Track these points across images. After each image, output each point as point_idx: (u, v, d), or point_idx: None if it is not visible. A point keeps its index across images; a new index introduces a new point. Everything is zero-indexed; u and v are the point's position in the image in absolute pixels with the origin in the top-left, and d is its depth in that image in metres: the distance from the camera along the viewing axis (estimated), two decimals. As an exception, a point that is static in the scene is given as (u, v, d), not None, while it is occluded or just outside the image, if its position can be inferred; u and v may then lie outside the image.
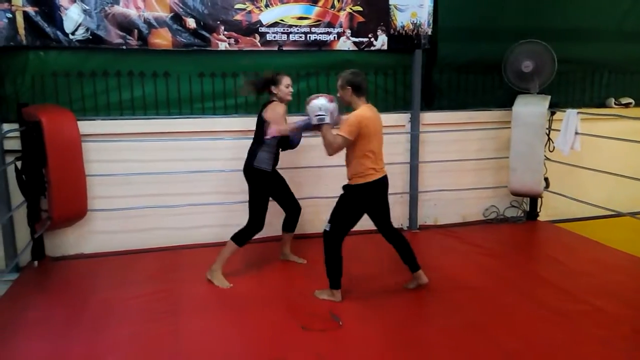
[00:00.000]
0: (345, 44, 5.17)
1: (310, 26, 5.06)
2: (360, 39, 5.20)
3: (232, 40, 4.88)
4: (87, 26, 4.55)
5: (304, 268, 4.52)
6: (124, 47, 4.68)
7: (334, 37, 5.13)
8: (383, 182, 3.81)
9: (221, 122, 4.98)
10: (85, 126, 4.55)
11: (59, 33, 4.50)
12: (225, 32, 4.85)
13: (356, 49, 5.21)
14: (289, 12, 4.99)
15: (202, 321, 3.59)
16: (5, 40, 4.39)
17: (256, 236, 5.04)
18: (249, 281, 4.24)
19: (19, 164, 4.36)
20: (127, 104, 4.85)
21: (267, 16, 4.93)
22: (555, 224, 5.78)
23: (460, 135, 5.62)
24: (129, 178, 4.83)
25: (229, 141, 4.92)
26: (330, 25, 5.10)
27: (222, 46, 4.86)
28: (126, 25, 4.64)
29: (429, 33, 5.36)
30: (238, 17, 4.86)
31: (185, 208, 4.96)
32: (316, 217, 5.34)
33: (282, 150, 4.31)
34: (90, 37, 4.57)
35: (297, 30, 5.03)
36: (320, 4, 5.03)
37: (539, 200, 5.79)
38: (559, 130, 5.32)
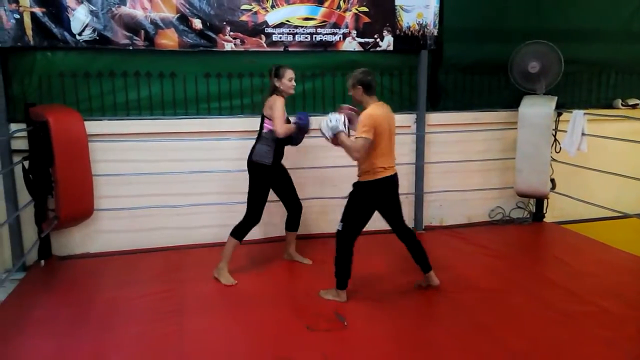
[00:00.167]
0: (351, 44, 5.17)
1: (316, 27, 5.06)
2: (366, 40, 5.20)
3: (238, 41, 4.89)
4: (94, 27, 4.57)
5: (309, 268, 4.53)
6: (131, 48, 4.70)
7: (340, 37, 5.13)
8: (392, 180, 3.81)
9: (227, 122, 5.00)
10: (92, 126, 4.58)
11: (66, 34, 4.52)
12: (231, 33, 4.86)
13: (362, 49, 5.21)
14: (294, 13, 5.00)
15: (207, 320, 3.60)
16: (13, 41, 4.42)
17: (262, 236, 5.10)
18: (254, 281, 4.25)
19: (26, 163, 4.38)
20: (134, 104, 4.88)
21: (273, 17, 4.94)
22: (561, 225, 5.75)
23: (466, 136, 5.61)
24: (135, 178, 4.85)
25: (235, 141, 4.94)
26: (336, 26, 5.10)
27: (228, 47, 4.88)
28: (133, 26, 4.66)
29: (435, 34, 5.36)
30: (244, 17, 4.87)
31: (191, 208, 4.97)
32: (322, 217, 5.36)
33: (285, 146, 4.32)
34: (97, 38, 4.60)
35: (303, 31, 5.03)
36: (326, 4, 5.04)
37: (545, 201, 5.77)
38: (565, 131, 5.30)
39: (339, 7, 5.07)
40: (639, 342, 3.28)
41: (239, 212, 4.37)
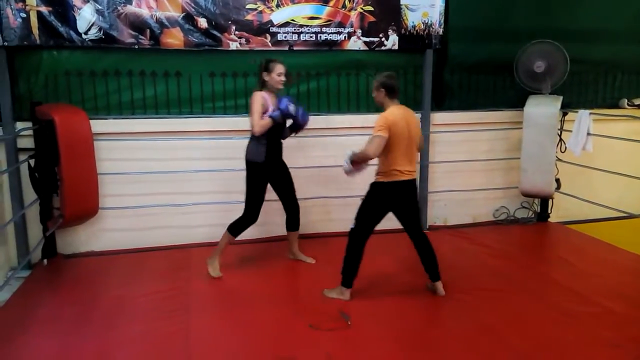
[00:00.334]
0: (356, 43, 5.17)
1: (321, 26, 5.06)
2: (371, 39, 5.20)
3: (243, 40, 4.90)
4: (100, 26, 4.59)
5: (313, 267, 4.53)
6: (136, 47, 4.71)
7: (345, 37, 5.13)
8: (408, 185, 3.77)
9: (232, 121, 5.01)
10: (98, 125, 4.59)
11: (72, 32, 4.54)
12: (237, 32, 4.87)
13: (367, 48, 5.21)
14: (299, 12, 5.00)
15: (211, 319, 3.61)
16: (20, 40, 4.44)
17: (265, 234, 5.10)
18: (258, 279, 4.26)
19: (32, 162, 4.41)
20: (139, 103, 4.89)
21: (278, 16, 4.95)
22: (566, 225, 5.74)
23: (471, 136, 5.60)
24: (140, 176, 4.86)
25: (240, 140, 4.91)
26: (341, 25, 5.10)
27: (233, 46, 4.88)
28: (138, 25, 4.67)
29: (440, 33, 5.35)
30: (249, 17, 4.88)
31: (196, 206, 4.99)
32: (326, 217, 5.36)
33: (283, 139, 4.29)
34: (103, 37, 4.61)
35: (308, 30, 5.04)
36: (331, 3, 5.04)
37: (550, 201, 5.75)
38: (570, 131, 5.29)
39: (344, 6, 5.07)
40: (644, 343, 3.28)
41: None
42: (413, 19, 5.25)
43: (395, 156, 3.68)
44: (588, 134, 5.12)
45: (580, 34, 5.68)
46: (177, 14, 4.73)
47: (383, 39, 5.22)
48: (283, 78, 4.15)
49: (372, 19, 5.15)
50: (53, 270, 4.51)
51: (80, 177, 4.35)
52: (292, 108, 4.07)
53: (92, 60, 4.74)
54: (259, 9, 4.89)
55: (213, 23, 4.80)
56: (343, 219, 5.30)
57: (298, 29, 5.01)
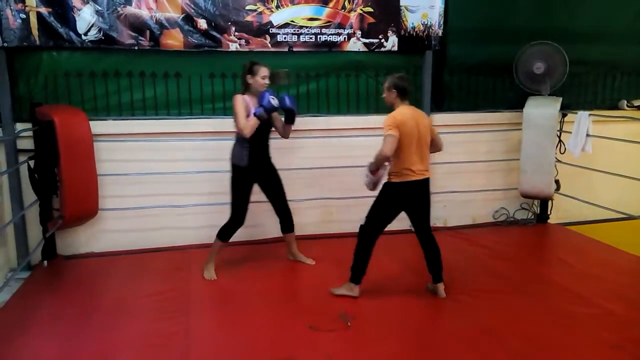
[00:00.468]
0: (356, 45, 5.17)
1: (321, 27, 5.07)
2: (371, 40, 5.20)
3: (242, 41, 4.90)
4: (100, 27, 4.59)
5: (312, 268, 4.53)
6: (136, 48, 4.71)
7: (344, 38, 5.13)
8: (419, 184, 3.79)
9: (232, 122, 4.99)
10: (97, 126, 4.59)
11: (71, 33, 4.54)
12: (236, 33, 4.87)
13: (366, 50, 5.21)
14: (299, 13, 5.00)
15: (211, 320, 3.61)
16: (19, 41, 4.44)
17: (265, 236, 5.10)
18: (257, 281, 4.26)
19: (31, 163, 4.40)
20: (139, 104, 4.89)
21: (277, 17, 4.95)
22: (565, 227, 5.74)
23: (471, 137, 5.60)
24: (140, 177, 4.86)
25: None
26: (340, 26, 5.10)
27: (233, 47, 4.89)
28: (138, 26, 4.67)
29: (440, 34, 5.35)
30: (249, 18, 4.88)
31: (195, 208, 4.98)
32: (327, 218, 5.36)
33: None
34: (103, 38, 4.61)
35: (308, 31, 5.04)
36: (330, 5, 5.04)
37: (550, 202, 5.75)
38: (570, 132, 5.29)
39: (343, 7, 5.07)
40: (644, 344, 3.28)
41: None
42: (413, 20, 5.26)
43: (407, 156, 3.69)
44: (587, 135, 5.12)
45: (580, 36, 5.68)
46: (176, 15, 4.73)
47: (383, 40, 5.23)
48: (267, 81, 4.11)
49: (371, 20, 5.16)
50: (53, 272, 4.50)
51: (80, 178, 4.35)
52: (274, 102, 4.02)
53: (92, 61, 4.74)
54: (259, 10, 4.89)
55: (213, 24, 4.80)
56: (344, 220, 5.34)
57: (298, 30, 5.02)
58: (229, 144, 4.94)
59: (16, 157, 4.52)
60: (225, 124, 4.97)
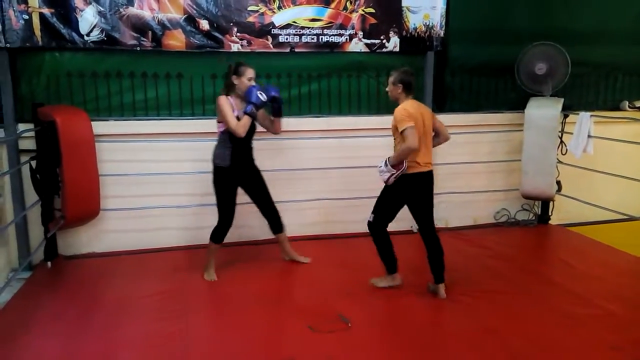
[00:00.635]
0: (357, 45, 5.18)
1: (323, 28, 5.07)
2: (372, 41, 5.20)
3: (244, 42, 4.91)
4: (102, 27, 4.60)
5: (311, 269, 4.53)
6: (138, 49, 4.72)
7: (346, 39, 5.14)
8: (426, 176, 3.85)
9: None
10: (99, 126, 4.60)
11: (74, 34, 4.55)
12: (238, 34, 4.88)
13: (368, 50, 5.22)
14: (301, 14, 5.01)
15: (211, 321, 3.62)
16: (22, 41, 4.45)
17: (262, 237, 5.10)
18: (258, 282, 4.26)
19: (33, 163, 4.41)
20: (141, 105, 4.90)
21: (279, 18, 4.96)
22: (567, 228, 5.74)
23: (472, 138, 5.60)
24: (142, 178, 4.87)
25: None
26: (342, 27, 5.11)
27: (235, 48, 4.89)
28: (140, 27, 4.68)
29: (442, 35, 5.35)
30: (251, 18, 4.88)
31: (197, 208, 4.99)
32: (327, 218, 5.37)
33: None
34: (105, 39, 4.62)
35: (309, 32, 5.04)
36: (332, 5, 5.04)
37: (551, 203, 5.75)
38: (571, 133, 5.29)
39: (345, 8, 5.08)
40: (645, 345, 3.28)
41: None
42: (414, 21, 5.26)
43: None
44: (589, 136, 5.12)
45: (581, 36, 5.68)
46: (178, 16, 4.74)
47: (384, 41, 5.23)
48: (253, 83, 4.08)
49: (373, 21, 5.16)
50: (54, 272, 4.51)
51: (82, 179, 4.35)
52: (263, 97, 4.00)
53: (94, 61, 4.75)
54: (261, 10, 4.90)
55: (215, 25, 4.81)
56: (343, 220, 5.34)
57: (299, 31, 5.02)
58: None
59: (18, 158, 4.53)
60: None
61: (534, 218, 5.88)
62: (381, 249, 4.00)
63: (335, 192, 5.30)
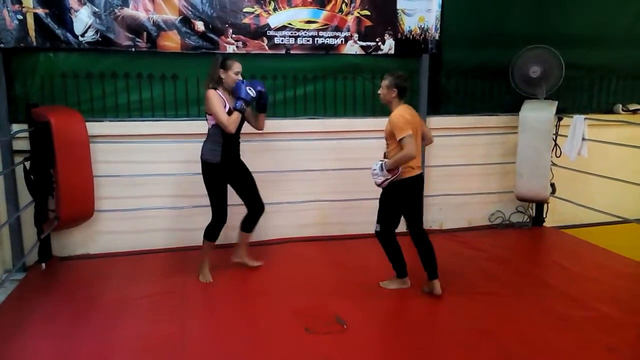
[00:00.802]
0: (353, 48, 5.18)
1: (318, 30, 5.07)
2: (368, 43, 5.21)
3: (240, 44, 4.90)
4: (97, 28, 4.58)
5: (307, 270, 4.52)
6: (133, 50, 4.71)
7: (342, 41, 5.14)
8: (419, 179, 3.95)
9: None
10: (94, 127, 4.58)
11: (68, 35, 4.53)
12: (234, 35, 4.88)
13: (363, 53, 5.22)
14: (297, 16, 5.01)
15: (207, 322, 3.60)
16: (16, 42, 4.43)
17: (262, 238, 5.09)
18: (255, 282, 4.26)
19: (27, 164, 4.39)
20: (135, 106, 4.88)
21: (275, 20, 4.96)
22: (561, 230, 5.76)
23: (467, 140, 5.62)
24: (136, 179, 4.86)
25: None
26: (337, 29, 5.11)
27: (230, 49, 4.89)
28: (135, 28, 4.67)
29: (437, 38, 5.37)
30: (246, 20, 4.88)
31: (191, 209, 4.97)
32: (323, 220, 5.37)
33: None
34: (100, 39, 4.60)
35: (305, 34, 5.04)
36: (328, 8, 5.05)
37: (545, 205, 5.77)
38: (566, 136, 5.31)
39: (340, 10, 5.08)
40: None
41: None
42: (409, 23, 5.27)
43: None
44: (583, 139, 5.14)
45: (576, 40, 5.71)
46: (174, 17, 4.73)
47: (379, 43, 5.24)
48: (240, 77, 4.05)
49: (368, 23, 5.17)
50: (48, 273, 4.49)
51: (76, 180, 4.33)
52: (252, 92, 3.98)
53: (89, 62, 4.73)
54: (256, 12, 4.89)
55: (210, 26, 4.80)
56: (340, 222, 5.34)
57: (295, 33, 5.02)
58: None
59: (12, 158, 4.51)
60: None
61: (528, 220, 5.90)
62: (391, 255, 4.08)
63: (332, 194, 5.30)
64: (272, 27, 4.96)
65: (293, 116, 5.20)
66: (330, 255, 4.85)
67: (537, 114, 5.37)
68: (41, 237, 4.42)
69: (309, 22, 5.04)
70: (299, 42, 5.05)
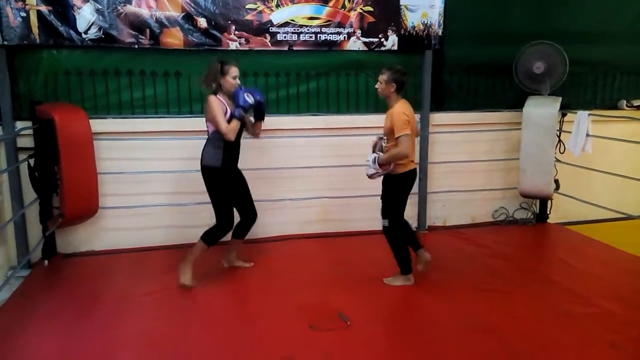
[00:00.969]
0: (356, 44, 5.17)
1: (321, 26, 5.07)
2: (371, 39, 5.20)
3: (242, 40, 4.90)
4: (100, 25, 4.59)
5: (310, 268, 4.52)
6: (136, 47, 4.71)
7: (344, 37, 5.13)
8: (415, 172, 4.07)
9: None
10: (97, 124, 4.60)
11: (72, 32, 4.54)
12: (236, 32, 4.87)
13: (366, 49, 5.21)
14: (299, 12, 5.00)
15: (211, 319, 3.61)
16: (19, 39, 4.43)
17: (265, 235, 5.10)
18: (257, 280, 4.27)
19: (31, 161, 4.40)
20: (139, 103, 4.89)
21: (277, 16, 4.95)
22: (565, 226, 5.75)
23: (470, 136, 5.60)
24: (140, 176, 4.86)
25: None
26: (340, 25, 5.10)
27: (233, 46, 4.89)
28: (138, 25, 4.67)
29: (440, 34, 5.35)
30: (249, 17, 4.88)
31: (195, 206, 4.98)
32: (325, 217, 5.37)
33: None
34: (103, 36, 4.61)
35: (308, 30, 5.04)
36: (330, 4, 5.04)
37: (549, 202, 5.76)
38: (569, 132, 5.30)
39: (343, 6, 5.07)
40: (643, 343, 3.29)
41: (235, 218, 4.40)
42: (412, 19, 5.26)
43: (410, 148, 3.89)
44: (587, 135, 5.12)
45: (580, 35, 5.69)
46: (176, 14, 4.73)
47: (382, 39, 5.23)
48: (238, 81, 4.02)
49: (371, 19, 5.16)
50: (53, 270, 4.51)
51: (80, 177, 4.35)
52: (250, 99, 3.95)
53: (92, 59, 4.73)
54: (259, 8, 4.89)
55: (213, 23, 4.80)
56: (342, 219, 5.34)
57: (298, 29, 5.02)
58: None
59: (16, 156, 4.51)
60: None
61: (532, 217, 5.89)
62: (397, 251, 4.09)
63: (334, 191, 5.30)
64: (274, 23, 4.95)
65: (296, 113, 5.20)
66: (333, 252, 4.86)
67: (541, 110, 5.35)
68: (46, 234, 4.44)
69: (311, 18, 5.04)
70: (301, 39, 5.04)
